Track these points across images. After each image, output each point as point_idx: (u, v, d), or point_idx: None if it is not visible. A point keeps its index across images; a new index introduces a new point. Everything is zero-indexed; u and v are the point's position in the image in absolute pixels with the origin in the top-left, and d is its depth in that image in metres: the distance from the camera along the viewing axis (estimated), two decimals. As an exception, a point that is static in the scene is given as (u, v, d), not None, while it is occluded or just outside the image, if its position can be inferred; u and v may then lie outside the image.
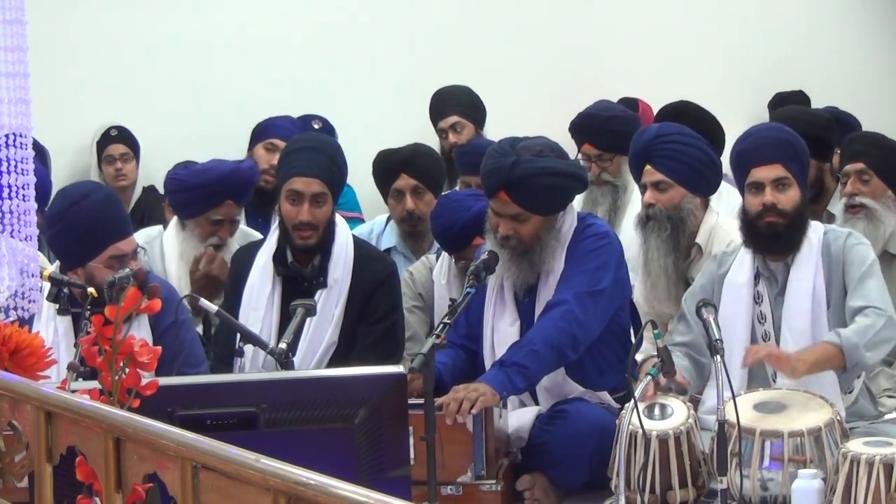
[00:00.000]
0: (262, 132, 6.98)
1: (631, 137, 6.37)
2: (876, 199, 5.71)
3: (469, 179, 6.14)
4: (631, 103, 7.63)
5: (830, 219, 6.07)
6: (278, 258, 5.34)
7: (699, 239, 5.48)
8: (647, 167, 5.50)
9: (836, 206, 6.23)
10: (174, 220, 5.97)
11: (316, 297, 5.19)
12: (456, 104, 7.26)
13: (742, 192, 5.03)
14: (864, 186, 5.74)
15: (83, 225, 4.86)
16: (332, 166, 5.35)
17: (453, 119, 7.21)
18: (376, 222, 6.48)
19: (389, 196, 6.23)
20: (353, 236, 5.49)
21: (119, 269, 4.73)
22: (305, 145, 5.46)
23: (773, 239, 4.88)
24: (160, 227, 6.08)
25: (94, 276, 4.78)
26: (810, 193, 6.12)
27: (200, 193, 5.85)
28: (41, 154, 6.40)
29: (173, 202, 6.02)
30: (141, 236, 5.74)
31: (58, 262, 5.08)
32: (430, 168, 6.23)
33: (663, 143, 5.47)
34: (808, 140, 5.77)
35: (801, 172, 4.93)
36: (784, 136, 4.99)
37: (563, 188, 5.02)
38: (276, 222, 5.45)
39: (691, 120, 7.11)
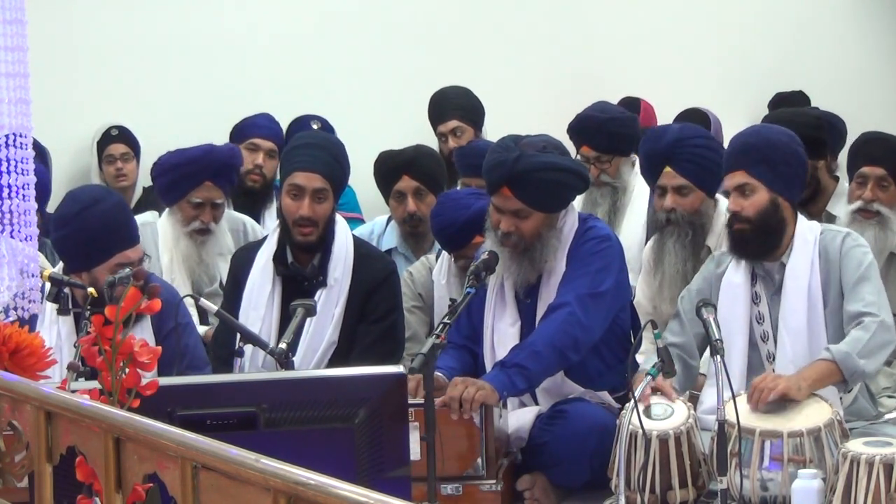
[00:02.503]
0: (239, 133, 6.98)
1: (629, 138, 6.41)
2: (891, 206, 5.69)
3: (469, 181, 6.14)
4: (633, 103, 7.63)
5: (830, 220, 6.05)
6: (278, 258, 5.34)
7: (710, 241, 5.47)
8: (668, 169, 5.48)
9: (836, 205, 6.22)
10: (166, 211, 6.01)
11: (316, 297, 5.19)
12: (455, 107, 7.25)
13: None
14: (882, 193, 5.72)
15: (92, 231, 4.85)
16: (334, 164, 5.36)
17: (454, 123, 7.19)
18: (377, 223, 6.49)
19: (391, 197, 6.23)
20: (353, 236, 5.49)
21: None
22: (309, 141, 5.48)
23: (742, 245, 4.88)
24: (154, 212, 6.11)
25: (98, 280, 4.77)
26: (807, 192, 6.12)
27: (179, 174, 5.91)
28: (41, 154, 6.41)
29: (157, 189, 6.07)
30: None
31: (61, 264, 5.09)
32: (432, 170, 6.23)
33: (685, 145, 5.44)
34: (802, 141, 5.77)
35: (768, 175, 4.83)
36: (749, 140, 4.92)
37: (566, 185, 5.02)
38: (277, 223, 5.46)
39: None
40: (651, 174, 5.63)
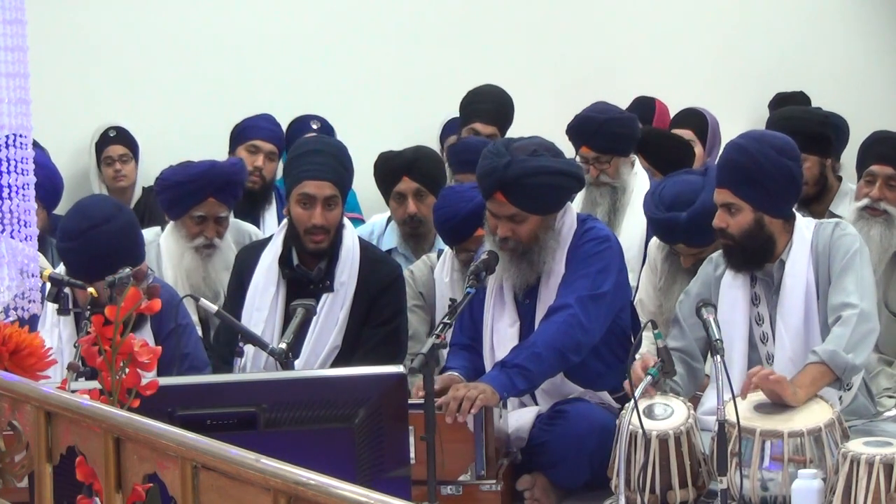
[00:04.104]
0: (240, 134, 6.93)
1: (628, 139, 6.40)
2: None
3: (462, 178, 6.15)
4: (647, 102, 7.65)
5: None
6: (284, 260, 5.33)
7: None
8: (681, 245, 5.44)
9: (839, 205, 6.23)
10: (170, 224, 5.98)
11: (321, 301, 5.19)
12: (493, 119, 7.16)
13: None
14: (889, 192, 5.74)
15: (101, 249, 4.83)
16: (342, 169, 5.36)
17: (491, 129, 7.08)
18: (377, 223, 6.48)
19: (391, 198, 6.22)
20: (360, 239, 5.48)
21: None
22: (315, 148, 5.43)
23: (730, 258, 4.87)
24: (157, 228, 6.08)
25: (100, 289, 4.76)
26: (814, 190, 6.14)
27: (182, 191, 5.85)
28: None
29: (161, 203, 6.03)
30: None
31: (62, 266, 5.09)
32: (432, 171, 6.23)
33: (694, 231, 5.32)
34: (806, 137, 5.79)
35: (757, 195, 4.77)
36: (737, 158, 4.82)
37: (559, 187, 5.02)
38: (283, 223, 5.43)
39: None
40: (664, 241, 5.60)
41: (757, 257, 4.84)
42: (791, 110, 6.74)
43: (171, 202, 5.90)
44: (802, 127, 6.01)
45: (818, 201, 6.24)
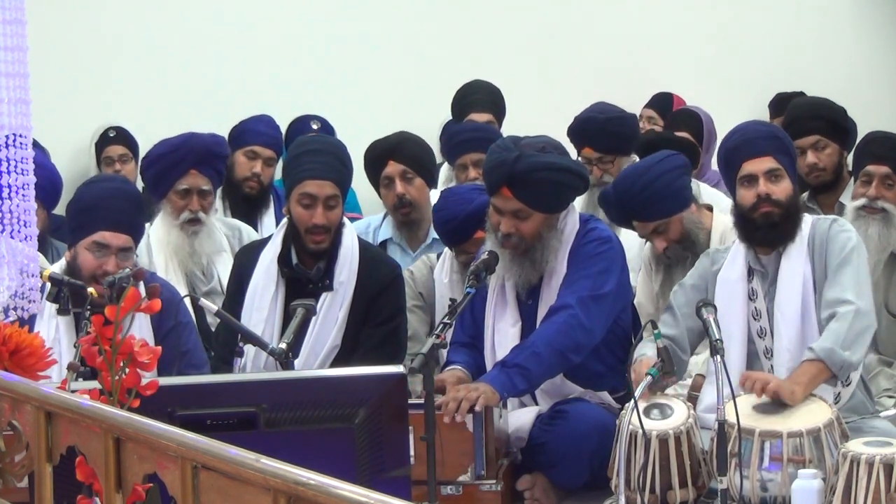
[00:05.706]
0: (239, 137, 6.91)
1: (630, 138, 6.43)
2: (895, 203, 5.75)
3: (465, 160, 6.37)
4: (666, 97, 7.71)
5: (842, 210, 6.09)
6: (283, 259, 5.33)
7: (714, 244, 5.45)
8: (636, 223, 5.52)
9: (847, 198, 6.25)
10: (158, 215, 6.00)
11: (320, 300, 5.19)
12: (491, 104, 7.25)
13: (733, 190, 5.02)
14: (886, 191, 5.77)
15: (91, 200, 5.03)
16: (342, 168, 5.36)
17: (488, 116, 7.16)
18: (374, 217, 6.49)
19: (380, 185, 6.23)
20: (359, 239, 5.48)
21: (101, 259, 4.87)
22: (315, 147, 5.42)
23: (769, 229, 4.87)
24: (147, 224, 6.11)
25: (83, 265, 4.90)
26: (831, 178, 6.26)
27: (165, 163, 5.91)
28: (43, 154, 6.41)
29: (147, 182, 6.07)
30: None
31: (57, 263, 5.10)
32: (418, 153, 6.23)
33: (649, 199, 5.40)
34: (830, 124, 5.92)
35: (790, 165, 4.96)
36: (771, 129, 5.07)
37: (565, 184, 5.02)
38: (283, 222, 5.44)
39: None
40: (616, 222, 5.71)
41: (794, 228, 4.87)
42: (816, 98, 6.89)
43: (156, 178, 5.95)
44: (828, 114, 6.23)
45: (831, 191, 6.30)
